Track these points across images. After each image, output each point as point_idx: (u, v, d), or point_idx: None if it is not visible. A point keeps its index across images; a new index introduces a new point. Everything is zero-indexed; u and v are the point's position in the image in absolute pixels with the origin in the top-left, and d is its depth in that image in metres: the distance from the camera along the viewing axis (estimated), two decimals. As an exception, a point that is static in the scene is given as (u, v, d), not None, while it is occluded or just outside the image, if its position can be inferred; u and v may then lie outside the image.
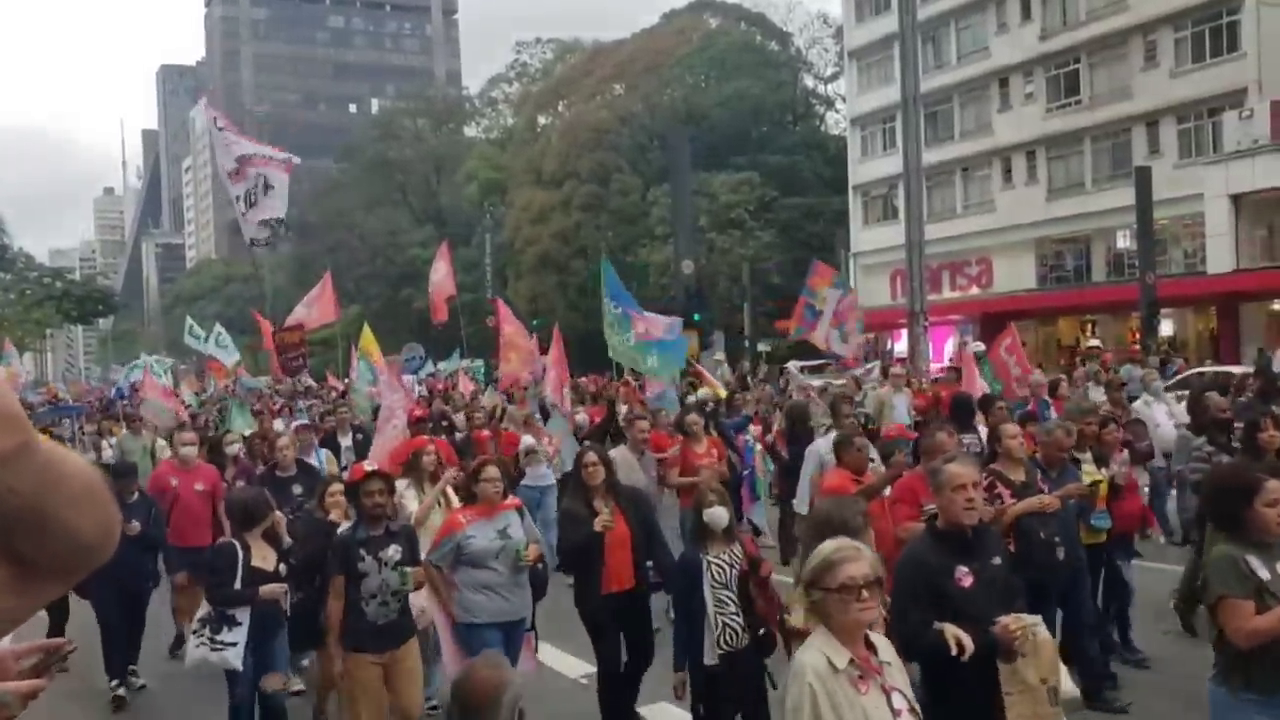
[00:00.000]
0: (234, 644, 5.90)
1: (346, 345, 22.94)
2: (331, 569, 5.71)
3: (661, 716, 6.51)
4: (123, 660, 7.86)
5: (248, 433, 11.69)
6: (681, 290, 26.74)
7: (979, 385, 10.76)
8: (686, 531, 6.13)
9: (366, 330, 16.19)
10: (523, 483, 10.21)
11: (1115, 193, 33.19)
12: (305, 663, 7.27)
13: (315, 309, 19.41)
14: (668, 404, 12.52)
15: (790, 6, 79.55)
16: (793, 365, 23.83)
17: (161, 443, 12.89)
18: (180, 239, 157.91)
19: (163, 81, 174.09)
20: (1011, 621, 3.93)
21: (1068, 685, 4.19)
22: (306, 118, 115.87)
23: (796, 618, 4.24)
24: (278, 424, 13.60)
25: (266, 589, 5.98)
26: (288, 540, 6.42)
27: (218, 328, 24.38)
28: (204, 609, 6.10)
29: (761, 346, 40.00)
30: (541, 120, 61.89)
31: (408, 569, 5.68)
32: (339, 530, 6.06)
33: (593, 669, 6.55)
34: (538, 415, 12.09)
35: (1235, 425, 7.89)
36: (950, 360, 27.87)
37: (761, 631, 5.20)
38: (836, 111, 55.47)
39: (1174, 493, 10.22)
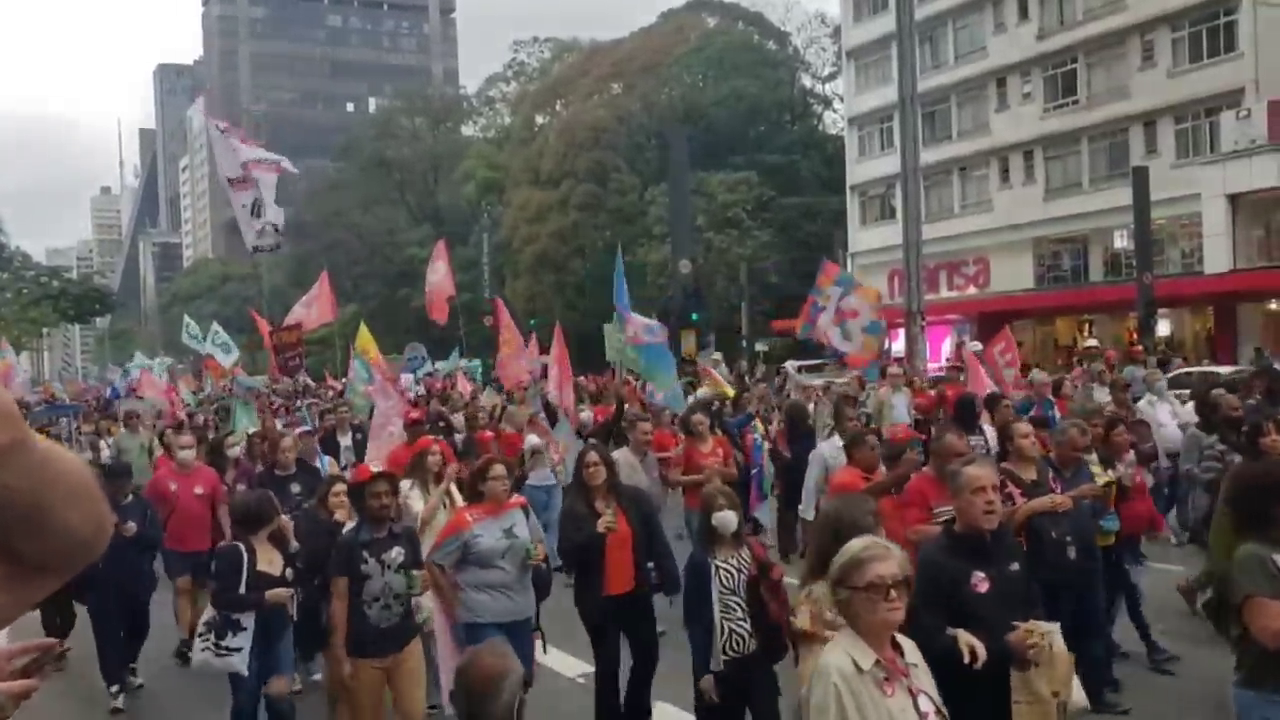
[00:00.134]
0: (238, 649, 5.84)
1: (344, 345, 22.89)
2: (334, 570, 5.67)
3: (662, 717, 6.49)
4: (118, 663, 7.80)
5: (252, 430, 11.66)
6: (679, 290, 26.72)
7: (985, 384, 10.71)
8: (694, 534, 6.08)
9: (363, 329, 16.13)
10: (528, 483, 10.14)
11: (1112, 192, 33.20)
12: (317, 676, 7.23)
13: (314, 309, 19.35)
14: (674, 402, 12.47)
15: (788, 6, 79.35)
16: (790, 365, 23.86)
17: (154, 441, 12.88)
18: (177, 238, 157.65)
19: (160, 81, 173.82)
20: (1026, 630, 3.88)
21: (1078, 695, 4.14)
22: (304, 117, 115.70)
23: (802, 620, 4.21)
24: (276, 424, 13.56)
25: (272, 593, 5.90)
26: (295, 544, 6.37)
27: (215, 326, 24.33)
28: (209, 613, 6.05)
29: (759, 346, 40.00)
30: (539, 119, 61.83)
31: (415, 572, 5.63)
32: (344, 531, 6.02)
33: (591, 669, 6.53)
34: (542, 415, 12.03)
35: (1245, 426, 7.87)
36: (948, 360, 27.91)
37: (772, 637, 5.09)
38: (834, 111, 55.51)
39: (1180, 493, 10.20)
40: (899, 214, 26.14)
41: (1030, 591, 4.28)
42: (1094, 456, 7.01)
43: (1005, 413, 8.58)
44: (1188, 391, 12.97)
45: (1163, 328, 31.43)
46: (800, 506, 9.31)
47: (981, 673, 3.71)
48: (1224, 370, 19.72)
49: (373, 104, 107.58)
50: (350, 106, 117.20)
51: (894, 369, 13.85)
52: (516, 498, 6.38)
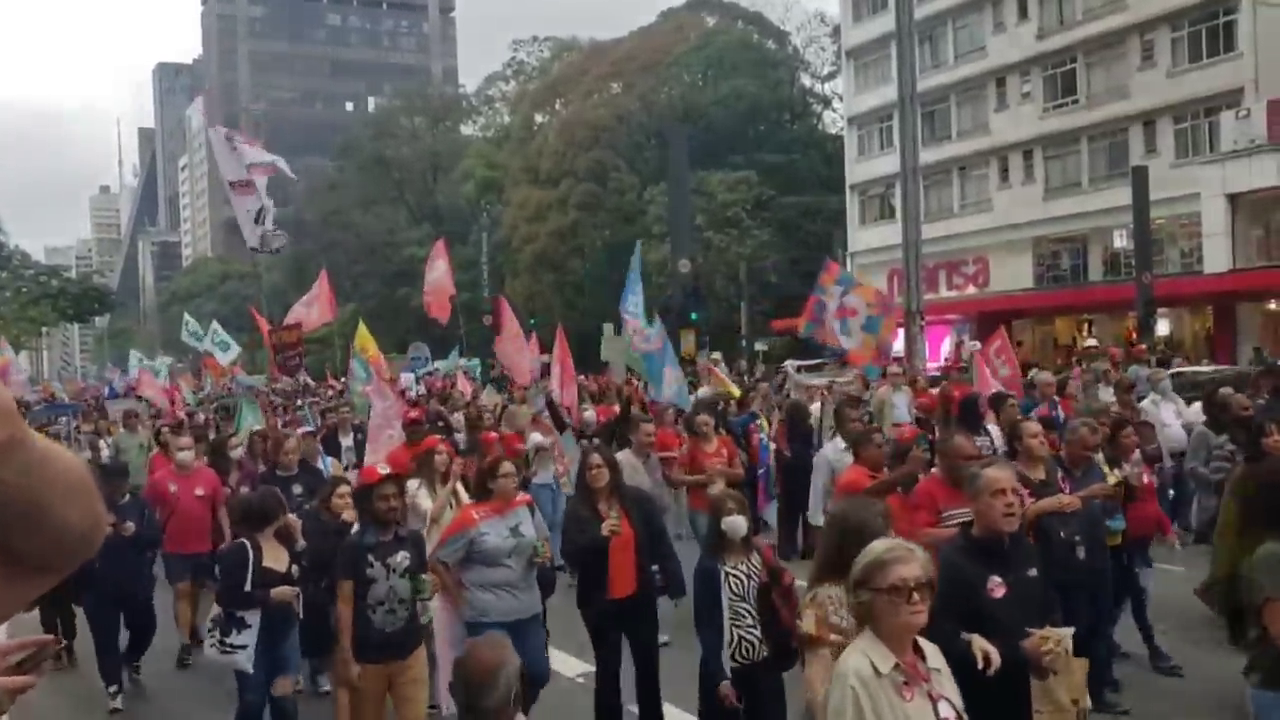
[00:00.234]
0: (244, 646, 5.82)
1: (344, 344, 22.89)
2: (339, 573, 5.62)
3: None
4: (116, 664, 7.76)
5: (257, 428, 11.63)
6: (678, 289, 26.67)
7: (990, 384, 10.69)
8: (702, 539, 6.03)
9: (362, 328, 16.11)
10: (535, 481, 10.06)
11: (1112, 192, 33.19)
12: (327, 689, 7.18)
13: (314, 308, 19.31)
14: (680, 400, 12.42)
15: (788, 5, 79.13)
16: (790, 364, 23.83)
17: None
18: (176, 237, 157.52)
19: (159, 79, 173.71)
20: (1041, 636, 3.82)
21: (1086, 700, 4.13)
22: (303, 116, 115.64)
23: (808, 623, 4.18)
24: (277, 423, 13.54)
25: (277, 592, 5.88)
26: (302, 542, 6.34)
27: (215, 325, 24.33)
28: (215, 610, 6.03)
29: (758, 345, 39.97)
30: (538, 118, 61.78)
31: (424, 576, 5.57)
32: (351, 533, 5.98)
33: (592, 668, 6.51)
34: (546, 414, 11.98)
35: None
36: (946, 359, 27.91)
37: (783, 644, 5.00)
38: (834, 110, 55.47)
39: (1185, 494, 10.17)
40: (898, 213, 26.11)
41: (1047, 596, 4.23)
42: (1099, 457, 7.00)
43: (1011, 412, 8.54)
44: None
45: (1162, 327, 31.42)
46: (808, 512, 9.26)
47: (998, 679, 3.64)
48: (1208, 369, 19.73)
49: (372, 103, 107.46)
50: (349, 106, 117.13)
51: (894, 368, 13.84)
52: (522, 495, 6.35)
